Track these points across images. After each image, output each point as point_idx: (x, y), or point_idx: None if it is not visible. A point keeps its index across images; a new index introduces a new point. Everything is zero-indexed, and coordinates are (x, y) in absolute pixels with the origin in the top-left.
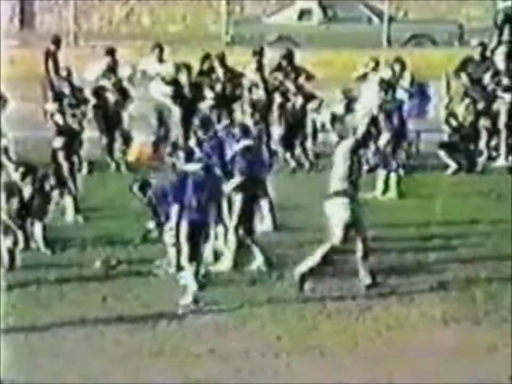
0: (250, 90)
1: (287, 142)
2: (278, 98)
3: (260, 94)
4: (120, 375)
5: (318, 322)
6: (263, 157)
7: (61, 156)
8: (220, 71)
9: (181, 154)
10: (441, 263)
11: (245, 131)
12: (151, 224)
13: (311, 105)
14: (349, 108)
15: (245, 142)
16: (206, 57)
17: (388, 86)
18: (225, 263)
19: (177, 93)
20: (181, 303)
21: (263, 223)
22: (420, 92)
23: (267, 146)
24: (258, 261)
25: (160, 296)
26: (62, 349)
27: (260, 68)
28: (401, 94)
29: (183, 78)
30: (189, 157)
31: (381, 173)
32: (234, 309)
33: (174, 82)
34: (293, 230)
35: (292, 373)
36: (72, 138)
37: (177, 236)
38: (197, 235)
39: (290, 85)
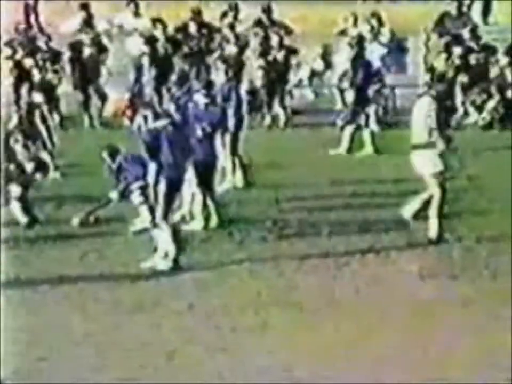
0: (221, 45)
1: (267, 96)
2: (257, 53)
3: (231, 49)
4: (100, 332)
5: (297, 279)
6: (229, 114)
7: (43, 111)
8: (193, 27)
9: (149, 112)
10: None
11: (208, 87)
12: (114, 194)
13: (293, 61)
14: (328, 64)
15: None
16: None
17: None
18: (197, 223)
19: (152, 50)
20: (157, 266)
21: (234, 180)
22: (399, 47)
23: (237, 102)
24: (212, 221)
25: (138, 254)
26: (41, 306)
27: (233, 24)
28: (379, 49)
29: (158, 33)
30: (158, 115)
31: (348, 129)
32: (213, 266)
33: (151, 39)
34: (264, 187)
35: (271, 328)
36: (51, 93)
37: (155, 194)
38: (173, 193)
39: (274, 38)
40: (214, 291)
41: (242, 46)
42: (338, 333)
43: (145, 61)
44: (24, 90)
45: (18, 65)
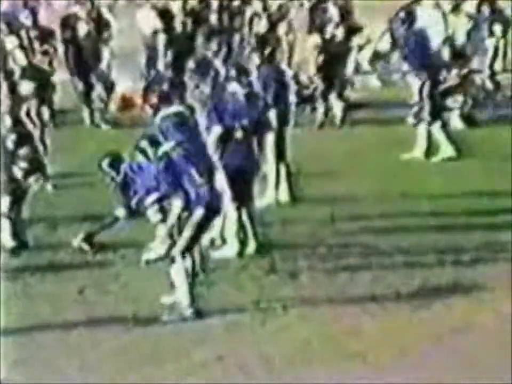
0: (251, 21)
1: (321, 87)
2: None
3: (261, 25)
4: None
5: (358, 324)
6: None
7: (31, 104)
8: None
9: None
10: None
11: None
12: (121, 211)
13: (356, 41)
14: (395, 44)
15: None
16: None
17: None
18: (230, 248)
19: (168, 26)
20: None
21: (278, 193)
22: (491, 20)
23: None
24: (249, 246)
25: (153, 288)
26: (30, 356)
27: None
28: (464, 23)
29: (175, 5)
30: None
31: (424, 127)
32: (249, 306)
33: (167, 13)
34: (316, 202)
35: None
36: (42, 82)
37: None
38: (208, 224)
39: (332, 9)
40: (249, 338)
41: (275, 21)
42: None
43: (161, 40)
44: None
45: None
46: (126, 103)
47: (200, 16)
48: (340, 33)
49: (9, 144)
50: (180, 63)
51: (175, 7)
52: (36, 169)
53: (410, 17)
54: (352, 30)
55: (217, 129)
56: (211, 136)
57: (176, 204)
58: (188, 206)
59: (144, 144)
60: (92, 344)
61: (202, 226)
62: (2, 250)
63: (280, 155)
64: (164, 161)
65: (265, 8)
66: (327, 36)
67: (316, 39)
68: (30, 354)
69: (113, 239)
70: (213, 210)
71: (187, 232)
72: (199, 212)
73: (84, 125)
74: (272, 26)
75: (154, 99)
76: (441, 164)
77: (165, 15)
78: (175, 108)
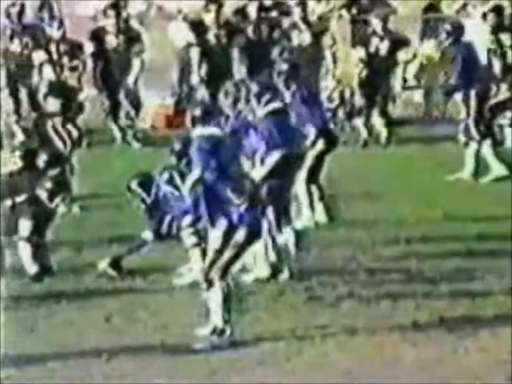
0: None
1: (363, 103)
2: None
3: (302, 38)
4: None
5: (401, 353)
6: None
7: (56, 122)
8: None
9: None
10: None
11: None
12: (148, 234)
13: (402, 55)
14: (443, 58)
15: (274, 105)
16: None
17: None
18: (261, 270)
19: (202, 39)
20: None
21: (313, 215)
22: None
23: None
24: (284, 273)
25: (184, 316)
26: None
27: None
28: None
29: (210, 16)
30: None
31: (473, 146)
32: (285, 335)
33: (199, 25)
34: (356, 225)
35: None
36: (69, 99)
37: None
38: (250, 245)
39: (375, 23)
40: (285, 368)
41: (317, 33)
42: None
43: (194, 54)
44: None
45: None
46: (157, 120)
47: (235, 28)
48: (384, 47)
49: (40, 164)
50: (215, 79)
51: (208, 19)
52: (62, 190)
53: (457, 30)
54: (398, 44)
55: (276, 154)
56: (269, 160)
57: (219, 227)
58: (232, 228)
59: (167, 175)
60: (120, 375)
61: (244, 248)
62: (23, 275)
63: (313, 179)
64: (199, 188)
65: (305, 19)
66: (372, 49)
67: (359, 52)
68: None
69: (142, 263)
70: (255, 232)
71: (228, 254)
72: (241, 233)
73: (114, 143)
74: (315, 38)
75: (185, 118)
76: (489, 184)
77: (198, 27)
78: (209, 130)
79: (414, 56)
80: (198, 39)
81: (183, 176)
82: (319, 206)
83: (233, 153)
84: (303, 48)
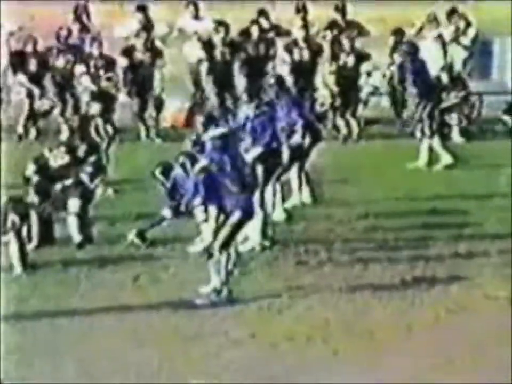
0: (290, 50)
1: (338, 106)
2: (324, 59)
3: (302, 54)
4: (155, 361)
5: (370, 307)
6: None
7: (97, 123)
8: (255, 30)
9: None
10: (505, 239)
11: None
12: (167, 212)
13: (365, 67)
14: (408, 69)
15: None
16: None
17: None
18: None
19: (210, 56)
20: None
21: (301, 196)
22: (483, 50)
23: (311, 111)
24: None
25: (195, 278)
26: (92, 334)
27: (304, 26)
28: (461, 52)
29: (218, 37)
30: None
31: (426, 141)
32: (277, 292)
33: (209, 44)
34: (335, 204)
35: (341, 359)
36: (107, 104)
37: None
38: (243, 225)
39: (345, 42)
40: (278, 319)
41: (316, 51)
42: (415, 365)
43: (204, 67)
44: (69, 99)
45: (62, 74)
46: (176, 120)
47: (237, 45)
48: (350, 60)
49: (81, 154)
50: (221, 88)
51: (217, 38)
52: (99, 173)
53: (413, 49)
54: (361, 58)
55: (256, 150)
56: (250, 155)
57: (212, 210)
58: (225, 210)
59: (182, 159)
60: (146, 325)
61: (238, 227)
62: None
63: (301, 166)
64: (203, 174)
65: (305, 40)
66: (341, 63)
67: (332, 66)
68: (90, 331)
69: (162, 235)
70: (247, 214)
71: (224, 231)
72: (236, 215)
73: (140, 139)
74: (313, 54)
75: (198, 119)
76: (439, 171)
77: (207, 45)
78: (220, 130)
79: (374, 67)
80: (207, 55)
81: (193, 163)
82: (305, 189)
83: (234, 150)
84: (301, 62)
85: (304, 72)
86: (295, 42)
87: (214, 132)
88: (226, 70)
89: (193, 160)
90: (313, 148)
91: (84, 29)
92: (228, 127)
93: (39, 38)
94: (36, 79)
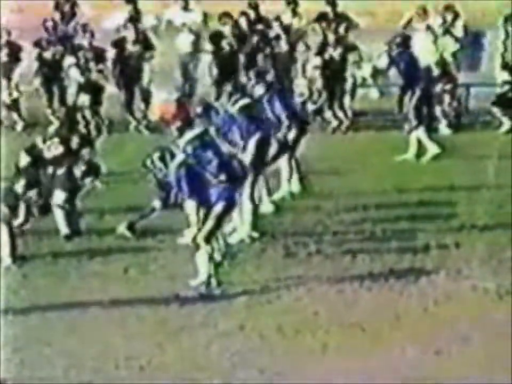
0: (271, 43)
1: (326, 99)
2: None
3: (282, 46)
4: (145, 353)
5: (358, 298)
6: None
7: (86, 114)
8: (244, 22)
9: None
10: (492, 230)
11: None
12: (157, 203)
13: (352, 58)
14: (393, 61)
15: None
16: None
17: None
18: (242, 231)
19: (218, 48)
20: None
21: (290, 186)
22: (473, 42)
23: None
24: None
25: (184, 270)
26: (80, 326)
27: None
28: (451, 45)
29: (226, 29)
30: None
31: (415, 133)
32: (266, 283)
33: (217, 36)
34: (323, 195)
35: (330, 351)
36: (96, 95)
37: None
38: (227, 215)
39: (330, 35)
40: (267, 310)
41: (293, 42)
42: (404, 356)
43: (208, 59)
44: (56, 91)
45: (49, 65)
46: (164, 113)
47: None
48: (336, 54)
49: (74, 146)
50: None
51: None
52: (92, 174)
53: (405, 42)
54: (348, 49)
55: (253, 139)
56: (250, 145)
57: (195, 202)
58: (209, 202)
59: (161, 155)
60: (135, 317)
61: (221, 218)
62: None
63: (291, 156)
64: (183, 168)
65: (286, 31)
66: (326, 56)
67: (317, 60)
68: (80, 324)
69: (152, 226)
70: (230, 205)
71: (209, 223)
72: (219, 206)
73: (129, 131)
74: (292, 46)
75: (181, 114)
76: (428, 163)
77: (217, 37)
78: (193, 132)
79: (360, 58)
80: (214, 47)
81: (172, 157)
82: (295, 178)
83: (214, 144)
84: (282, 54)
85: (285, 63)
86: (277, 36)
87: (188, 135)
88: (233, 61)
89: (173, 156)
90: (301, 138)
91: (72, 19)
92: (206, 124)
93: (29, 30)
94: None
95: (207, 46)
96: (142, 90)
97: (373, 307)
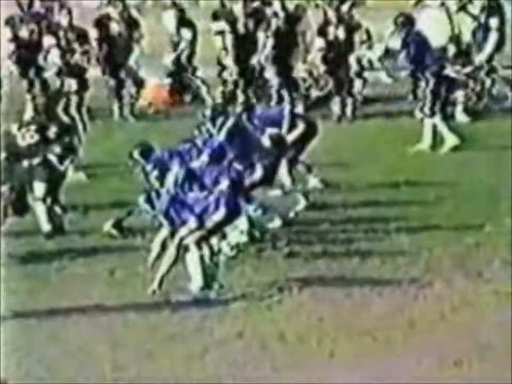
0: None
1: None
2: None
3: (279, 24)
4: (133, 363)
5: (368, 302)
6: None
7: (69, 102)
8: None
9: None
10: None
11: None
12: (142, 199)
13: (358, 38)
14: (406, 42)
15: None
16: None
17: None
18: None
19: (234, 28)
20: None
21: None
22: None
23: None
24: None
25: (179, 270)
26: (63, 334)
27: None
28: (468, 23)
29: (238, 8)
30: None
31: (429, 121)
32: (266, 286)
33: (232, 15)
34: (330, 190)
35: (337, 361)
36: (80, 80)
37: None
38: (227, 224)
39: (329, 11)
40: (267, 316)
41: (293, 22)
42: (419, 367)
43: (228, 40)
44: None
45: (25, 46)
46: (155, 98)
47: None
48: (340, 33)
49: (51, 135)
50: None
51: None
52: (69, 154)
53: (409, 21)
54: (352, 29)
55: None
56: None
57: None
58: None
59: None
60: (123, 323)
61: (221, 224)
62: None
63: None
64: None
65: (283, 8)
66: (330, 37)
67: (320, 41)
68: (62, 332)
69: (140, 224)
70: (233, 212)
71: (205, 229)
72: (220, 212)
73: (112, 118)
74: (291, 25)
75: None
76: (446, 154)
77: (230, 17)
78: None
79: (369, 38)
80: (230, 27)
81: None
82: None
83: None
84: (281, 33)
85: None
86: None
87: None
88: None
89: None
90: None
91: None
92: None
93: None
94: None
95: (225, 26)
96: (131, 73)
97: (384, 313)
